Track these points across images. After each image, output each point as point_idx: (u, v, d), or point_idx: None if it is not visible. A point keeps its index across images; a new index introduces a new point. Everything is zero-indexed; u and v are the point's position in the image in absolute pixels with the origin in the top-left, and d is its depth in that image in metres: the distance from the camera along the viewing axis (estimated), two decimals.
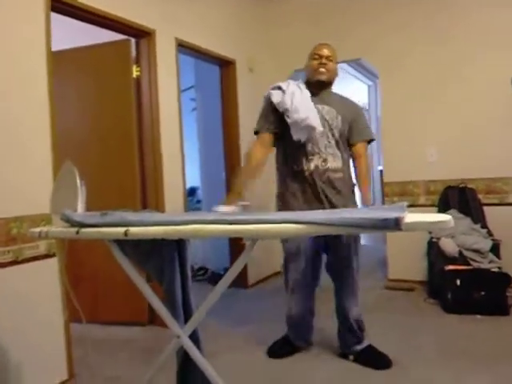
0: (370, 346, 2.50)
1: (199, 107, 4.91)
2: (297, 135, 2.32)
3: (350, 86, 7.36)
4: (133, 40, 3.17)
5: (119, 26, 2.93)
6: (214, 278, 4.34)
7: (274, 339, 2.72)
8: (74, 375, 2.44)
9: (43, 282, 2.32)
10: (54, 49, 2.42)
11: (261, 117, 2.52)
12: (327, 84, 2.48)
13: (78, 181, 1.77)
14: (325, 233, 1.39)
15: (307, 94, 2.41)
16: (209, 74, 4.38)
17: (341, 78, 6.38)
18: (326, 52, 2.45)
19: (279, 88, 2.42)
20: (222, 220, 1.38)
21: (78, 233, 1.58)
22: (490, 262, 3.34)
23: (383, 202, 4.37)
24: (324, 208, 2.33)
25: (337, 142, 2.42)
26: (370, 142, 2.56)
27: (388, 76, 4.15)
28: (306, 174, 2.39)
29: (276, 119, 2.41)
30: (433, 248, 3.61)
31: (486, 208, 3.71)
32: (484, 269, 3.28)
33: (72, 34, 3.05)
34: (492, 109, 3.69)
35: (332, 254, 2.52)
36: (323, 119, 2.39)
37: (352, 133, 2.48)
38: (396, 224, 1.21)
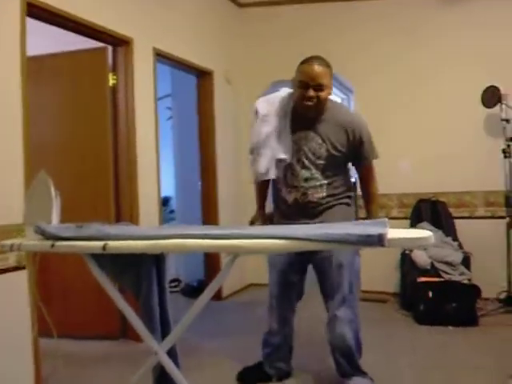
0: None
1: (175, 116, 4.88)
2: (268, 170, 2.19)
3: None
4: (110, 48, 3.12)
5: (96, 33, 2.88)
6: (188, 290, 4.29)
7: (250, 353, 2.59)
8: None
9: (12, 295, 2.23)
10: (29, 54, 2.36)
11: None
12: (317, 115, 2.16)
13: (53, 192, 1.72)
14: (307, 249, 1.39)
15: (286, 123, 2.17)
16: (185, 83, 4.35)
17: None
18: (317, 79, 2.03)
19: (256, 112, 2.27)
20: (205, 235, 1.37)
21: (53, 246, 1.53)
22: (461, 274, 3.43)
23: (356, 215, 4.43)
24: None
25: (322, 172, 2.15)
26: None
27: (362, 90, 4.24)
28: (289, 203, 2.24)
29: None
30: (405, 260, 3.67)
31: (456, 221, 3.81)
32: (455, 281, 3.36)
33: (48, 40, 2.97)
34: (463, 125, 3.82)
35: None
36: (302, 148, 2.15)
37: (353, 155, 2.20)
38: (379, 240, 1.22)
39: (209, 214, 4.13)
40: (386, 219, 1.41)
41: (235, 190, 4.40)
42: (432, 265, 3.46)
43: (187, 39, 3.79)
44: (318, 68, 2.04)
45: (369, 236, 1.22)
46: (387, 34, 4.08)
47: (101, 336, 3.10)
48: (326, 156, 2.13)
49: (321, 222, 2.15)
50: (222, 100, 4.23)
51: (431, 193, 3.89)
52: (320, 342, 2.47)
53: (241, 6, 4.56)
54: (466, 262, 3.53)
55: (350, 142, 2.15)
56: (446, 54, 3.87)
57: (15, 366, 2.23)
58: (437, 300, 3.26)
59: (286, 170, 2.20)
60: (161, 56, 3.43)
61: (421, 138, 3.96)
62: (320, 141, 2.13)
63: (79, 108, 3.15)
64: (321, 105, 2.09)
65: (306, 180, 2.16)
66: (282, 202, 2.29)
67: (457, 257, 3.48)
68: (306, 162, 2.15)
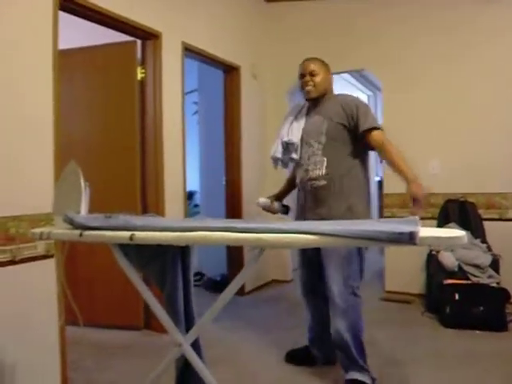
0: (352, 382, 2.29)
1: (201, 111, 4.90)
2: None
3: None
4: (139, 42, 3.14)
5: (126, 27, 2.91)
6: (210, 284, 4.30)
7: (272, 348, 2.67)
8: (68, 379, 2.40)
9: (40, 282, 2.28)
10: (60, 47, 2.39)
11: None
12: (321, 96, 2.44)
13: (83, 182, 1.74)
14: (335, 244, 1.37)
15: (300, 116, 2.52)
16: (212, 78, 4.37)
17: (341, 86, 6.37)
18: (308, 68, 2.42)
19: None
20: (231, 227, 1.36)
21: (81, 235, 1.55)
22: (489, 277, 3.33)
23: (381, 214, 4.36)
24: (308, 219, 2.32)
25: (323, 148, 2.33)
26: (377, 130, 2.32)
27: (391, 87, 4.15)
28: (298, 186, 2.49)
29: None
30: (432, 261, 3.59)
31: (485, 223, 3.70)
32: (483, 284, 3.27)
33: (79, 33, 3.02)
34: (495, 125, 3.70)
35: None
36: (307, 129, 2.42)
37: (356, 128, 2.31)
38: (411, 238, 1.19)
39: (233, 209, 4.14)
40: (417, 217, 1.37)
41: (260, 186, 4.39)
42: (459, 267, 3.37)
43: (215, 34, 3.79)
44: (308, 60, 2.46)
45: (400, 234, 1.19)
46: (422, 34, 3.97)
47: (125, 326, 3.15)
48: (327, 130, 2.34)
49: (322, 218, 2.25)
50: (248, 95, 4.23)
51: (460, 193, 3.80)
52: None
53: (268, 0, 4.53)
54: (495, 264, 3.42)
55: (346, 114, 2.33)
56: (479, 54, 3.76)
57: (42, 353, 2.27)
58: (464, 303, 3.18)
59: (299, 154, 2.43)
60: (189, 50, 3.44)
61: (450, 138, 3.86)
62: (321, 118, 2.38)
63: (108, 101, 3.19)
64: (318, 87, 2.41)
65: (309, 157, 2.38)
66: (297, 189, 2.52)
67: (485, 259, 3.39)
68: (310, 140, 2.39)
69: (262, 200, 2.61)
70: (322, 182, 2.32)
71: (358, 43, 4.21)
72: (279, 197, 2.70)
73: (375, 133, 2.27)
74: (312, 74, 2.41)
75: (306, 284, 2.56)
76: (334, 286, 2.28)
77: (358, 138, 2.32)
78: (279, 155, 2.49)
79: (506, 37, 3.69)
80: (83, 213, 1.71)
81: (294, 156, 2.44)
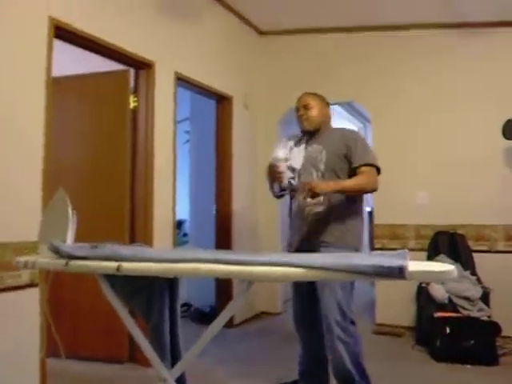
0: None
1: (193, 140, 4.91)
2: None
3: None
4: (132, 70, 3.17)
5: (119, 55, 2.94)
6: (198, 316, 4.21)
7: (264, 381, 2.60)
8: None
9: (23, 312, 2.22)
10: (54, 74, 2.41)
11: None
12: (317, 129, 2.48)
13: (70, 210, 1.72)
14: (324, 278, 1.35)
15: (300, 144, 2.52)
16: (204, 107, 4.40)
17: (332, 118, 6.48)
18: (303, 101, 2.49)
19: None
20: (220, 259, 1.34)
21: (66, 265, 1.52)
22: (480, 310, 3.32)
23: (371, 244, 4.36)
24: (303, 245, 2.34)
25: (323, 176, 2.36)
26: (376, 168, 2.38)
27: (379, 119, 4.22)
28: (294, 211, 2.48)
29: None
30: (422, 293, 3.57)
31: (475, 255, 3.71)
32: (474, 317, 3.25)
33: (73, 61, 3.05)
34: (483, 157, 3.76)
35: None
36: (307, 157, 2.43)
37: (350, 161, 2.36)
38: (400, 272, 1.18)
39: (223, 239, 4.10)
40: (407, 251, 1.37)
41: (250, 216, 4.38)
42: (450, 299, 3.36)
43: (208, 64, 3.85)
44: (304, 94, 2.54)
45: (389, 268, 1.18)
46: (406, 64, 4.09)
47: (108, 358, 3.05)
48: (326, 159, 2.37)
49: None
50: (239, 125, 4.26)
51: (450, 225, 3.81)
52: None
53: (262, 33, 4.64)
54: (486, 297, 3.41)
55: (345, 146, 2.37)
56: (466, 85, 3.85)
57: None
58: (454, 336, 3.14)
59: (298, 179, 2.42)
60: (182, 80, 3.48)
61: (439, 169, 3.91)
62: (320, 148, 2.41)
63: (100, 129, 3.19)
64: (312, 120, 2.46)
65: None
66: (291, 215, 2.51)
67: (476, 292, 3.38)
68: (310, 168, 2.40)
69: (282, 153, 2.46)
70: (320, 210, 2.33)
71: (347, 76, 4.30)
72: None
73: (368, 170, 2.32)
74: (306, 108, 2.47)
75: (299, 313, 2.51)
76: (330, 314, 2.25)
77: (348, 167, 2.37)
78: (286, 181, 2.44)
79: (492, 72, 3.79)
80: (69, 242, 1.68)
81: (294, 182, 2.43)
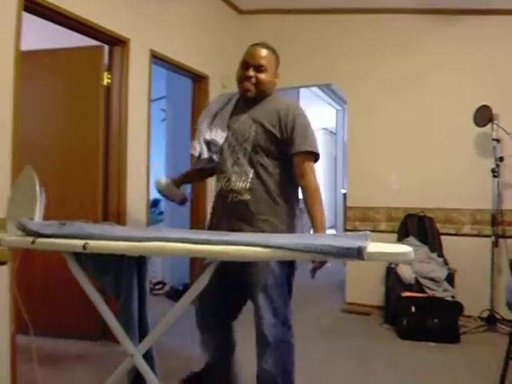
0: None
1: (169, 118, 4.88)
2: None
3: (319, 109, 7.54)
4: (106, 47, 3.12)
5: (93, 31, 2.87)
6: (173, 294, 4.27)
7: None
8: None
9: None
10: (24, 49, 2.35)
11: None
12: (259, 97, 2.05)
13: (38, 187, 1.71)
14: (288, 258, 1.39)
15: (225, 111, 2.11)
16: (180, 86, 4.36)
17: (311, 100, 6.50)
18: (257, 60, 2.00)
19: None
20: (185, 239, 1.36)
21: (33, 243, 1.52)
22: (444, 290, 3.44)
23: (345, 226, 4.44)
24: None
25: (250, 158, 1.99)
26: (315, 156, 2.01)
27: (356, 103, 4.25)
28: (216, 194, 2.11)
29: None
30: (390, 274, 3.68)
31: (442, 237, 3.83)
32: (438, 297, 3.37)
33: (46, 35, 2.97)
34: (454, 142, 3.84)
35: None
36: (233, 131, 2.04)
37: (288, 144, 1.98)
38: (358, 253, 1.22)
39: (197, 219, 4.12)
40: (368, 232, 1.41)
41: None
42: (416, 280, 3.47)
43: (185, 43, 3.80)
44: (260, 49, 2.03)
45: (348, 249, 1.23)
46: (382, 47, 4.10)
47: (81, 336, 3.08)
48: (254, 138, 1.98)
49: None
50: None
51: (419, 208, 3.91)
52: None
53: (241, 12, 4.58)
54: (451, 278, 3.54)
55: (281, 124, 1.97)
56: (439, 70, 3.90)
57: None
58: (419, 315, 3.27)
59: (220, 157, 2.07)
60: (157, 58, 3.43)
61: (411, 153, 3.98)
62: (250, 121, 2.01)
63: (72, 105, 3.14)
64: (260, 87, 2.01)
65: (232, 165, 2.02)
66: (214, 197, 2.14)
67: (441, 273, 3.50)
68: (235, 145, 2.02)
69: (164, 181, 2.23)
70: (246, 197, 1.98)
71: (326, 58, 4.30)
72: (178, 184, 2.29)
73: (304, 158, 1.97)
74: (258, 70, 2.00)
75: (214, 311, 2.11)
76: (264, 315, 1.91)
77: (287, 154, 2.00)
78: (206, 155, 2.08)
79: (464, 59, 3.85)
80: (37, 219, 1.68)
81: (215, 158, 2.07)
